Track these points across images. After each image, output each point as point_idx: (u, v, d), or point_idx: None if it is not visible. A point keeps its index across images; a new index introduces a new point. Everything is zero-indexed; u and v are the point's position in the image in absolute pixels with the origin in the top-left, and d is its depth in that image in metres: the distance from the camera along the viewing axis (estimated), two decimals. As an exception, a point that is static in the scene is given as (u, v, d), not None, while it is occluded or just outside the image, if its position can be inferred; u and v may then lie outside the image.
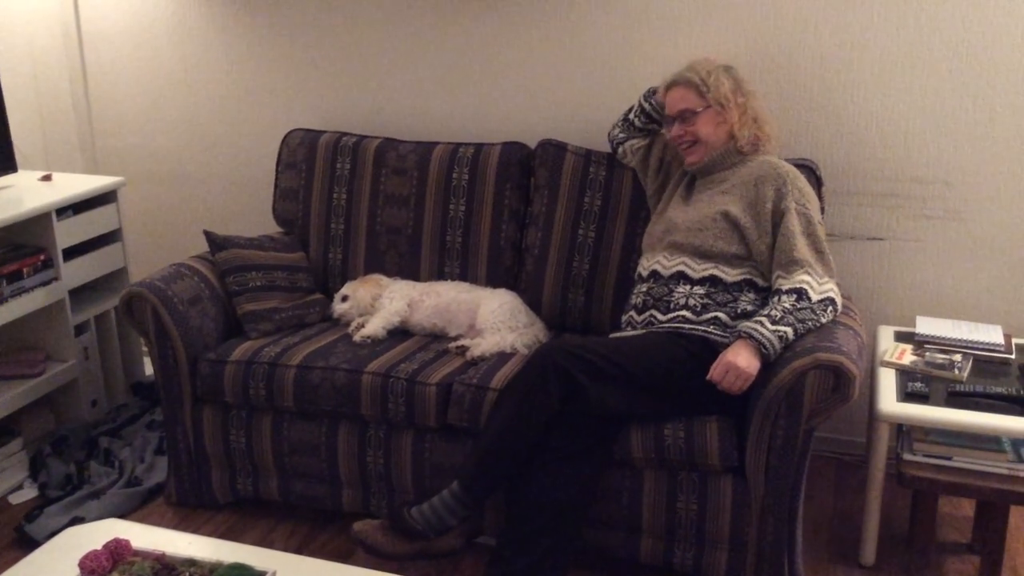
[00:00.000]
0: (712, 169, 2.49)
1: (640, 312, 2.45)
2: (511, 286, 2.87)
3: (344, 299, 2.86)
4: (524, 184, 2.92)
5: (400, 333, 2.76)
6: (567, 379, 2.21)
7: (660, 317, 2.39)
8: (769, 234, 2.35)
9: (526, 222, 2.90)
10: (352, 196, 3.02)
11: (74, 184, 3.11)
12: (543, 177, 2.86)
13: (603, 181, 2.80)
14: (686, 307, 2.37)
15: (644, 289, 2.47)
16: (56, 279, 2.96)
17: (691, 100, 2.44)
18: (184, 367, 2.64)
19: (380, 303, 2.80)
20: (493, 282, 2.89)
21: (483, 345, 2.60)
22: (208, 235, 2.84)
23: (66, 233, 2.99)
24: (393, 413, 2.47)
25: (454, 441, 2.46)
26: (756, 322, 2.22)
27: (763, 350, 2.17)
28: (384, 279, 2.91)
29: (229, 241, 2.85)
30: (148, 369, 3.35)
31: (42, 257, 2.92)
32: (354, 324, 2.77)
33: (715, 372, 2.19)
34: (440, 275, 2.94)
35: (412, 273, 2.96)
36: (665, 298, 2.41)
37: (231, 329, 2.79)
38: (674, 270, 2.43)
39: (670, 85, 2.49)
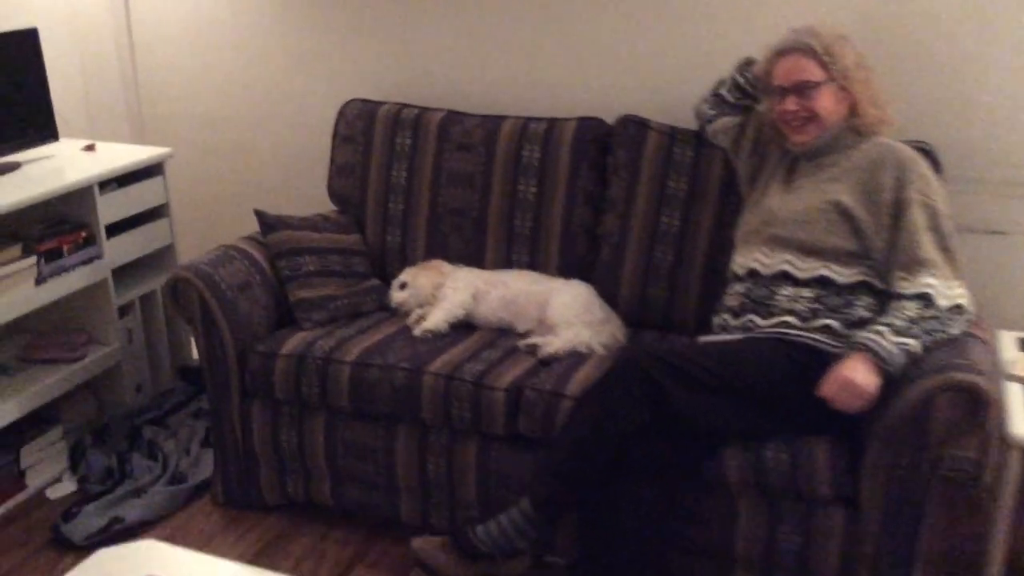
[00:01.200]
0: (821, 151, 2.20)
1: (737, 316, 2.19)
2: (584, 277, 2.61)
3: (403, 287, 2.63)
4: (601, 164, 2.65)
5: (463, 326, 2.52)
6: (655, 388, 1.96)
7: (760, 323, 2.13)
8: (887, 228, 2.06)
9: (603, 206, 2.63)
10: (412, 174, 2.78)
11: (119, 155, 2.92)
12: (622, 157, 2.59)
13: (689, 162, 2.52)
14: (791, 312, 2.10)
15: (741, 290, 2.20)
16: (98, 257, 2.77)
17: (811, 71, 2.14)
18: (232, 359, 2.44)
19: (442, 293, 2.57)
20: (565, 272, 2.64)
21: (556, 343, 2.36)
22: (259, 215, 2.62)
23: (110, 208, 2.80)
24: (457, 419, 2.24)
25: (524, 451, 2.23)
26: (876, 332, 1.94)
27: (884, 366, 1.90)
28: (446, 266, 2.67)
29: (281, 222, 2.63)
30: (195, 352, 3.15)
31: (84, 234, 2.74)
32: (414, 316, 2.54)
33: (828, 388, 1.92)
34: (507, 263, 2.70)
35: (476, 260, 2.72)
36: (766, 301, 2.14)
37: (282, 317, 2.57)
38: (776, 269, 2.16)
39: (782, 52, 2.19)
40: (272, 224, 2.61)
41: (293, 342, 2.42)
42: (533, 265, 2.67)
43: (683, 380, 1.97)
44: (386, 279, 2.76)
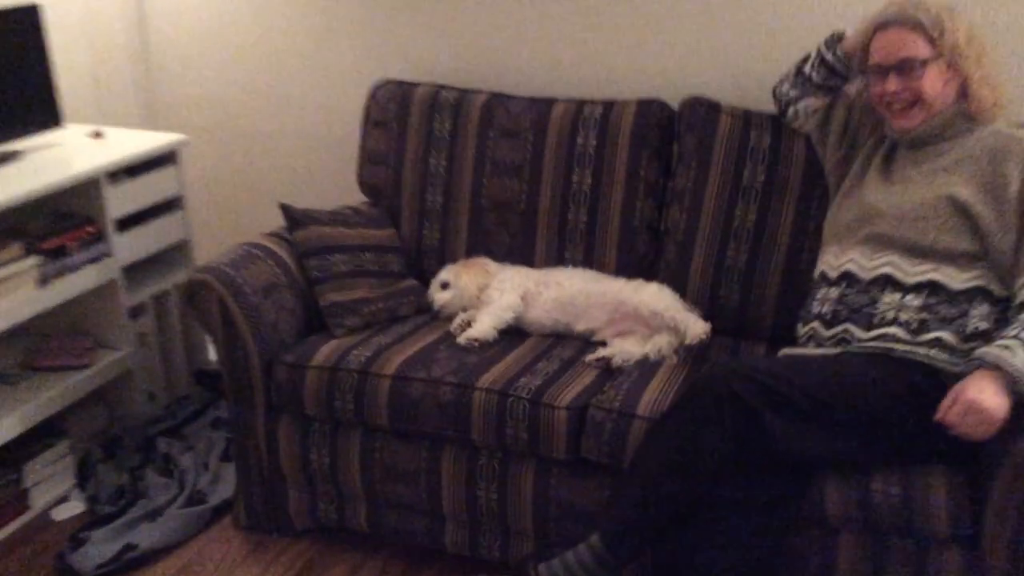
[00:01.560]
0: (928, 139, 1.94)
1: (829, 325, 1.92)
2: (646, 278, 2.35)
3: (444, 286, 2.37)
4: (665, 152, 2.38)
5: (512, 332, 2.26)
6: (745, 412, 1.71)
7: (860, 334, 1.87)
8: (1016, 229, 1.79)
9: (667, 199, 2.37)
10: (453, 162, 2.52)
11: (129, 142, 2.66)
12: (690, 144, 2.32)
13: (767, 150, 2.25)
14: (896, 323, 1.83)
15: (833, 295, 1.94)
16: (107, 255, 2.52)
17: (917, 47, 1.87)
18: (257, 370, 2.19)
19: (487, 295, 2.31)
20: (624, 272, 2.38)
21: (633, 350, 2.12)
22: (285, 209, 2.36)
23: (119, 200, 2.54)
24: (512, 440, 1.99)
25: (588, 478, 1.98)
26: (1002, 347, 1.67)
27: (1015, 387, 1.64)
28: (492, 264, 2.41)
29: (309, 216, 2.37)
30: (213, 354, 2.91)
31: (91, 229, 2.49)
32: (458, 321, 2.28)
33: (950, 412, 1.66)
34: (559, 262, 2.44)
35: (524, 258, 2.46)
36: (866, 309, 1.87)
37: (311, 322, 2.32)
38: (878, 272, 1.89)
39: (882, 25, 1.92)
40: (299, 219, 2.35)
41: (325, 352, 2.17)
42: (588, 263, 2.41)
43: (778, 403, 1.71)
44: (423, 279, 2.50)
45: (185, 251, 2.80)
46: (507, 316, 2.26)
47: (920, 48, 1.86)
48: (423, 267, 2.57)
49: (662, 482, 1.76)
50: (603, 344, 2.21)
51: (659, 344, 2.15)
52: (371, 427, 2.13)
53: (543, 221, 2.44)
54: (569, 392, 2.00)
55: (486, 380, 2.03)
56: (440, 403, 2.03)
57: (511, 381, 2.03)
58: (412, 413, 2.06)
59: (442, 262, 2.50)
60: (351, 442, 2.16)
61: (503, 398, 1.99)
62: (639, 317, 2.21)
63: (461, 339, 2.20)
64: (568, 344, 2.23)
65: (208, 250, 2.71)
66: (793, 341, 2.05)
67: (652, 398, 1.95)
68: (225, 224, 3.00)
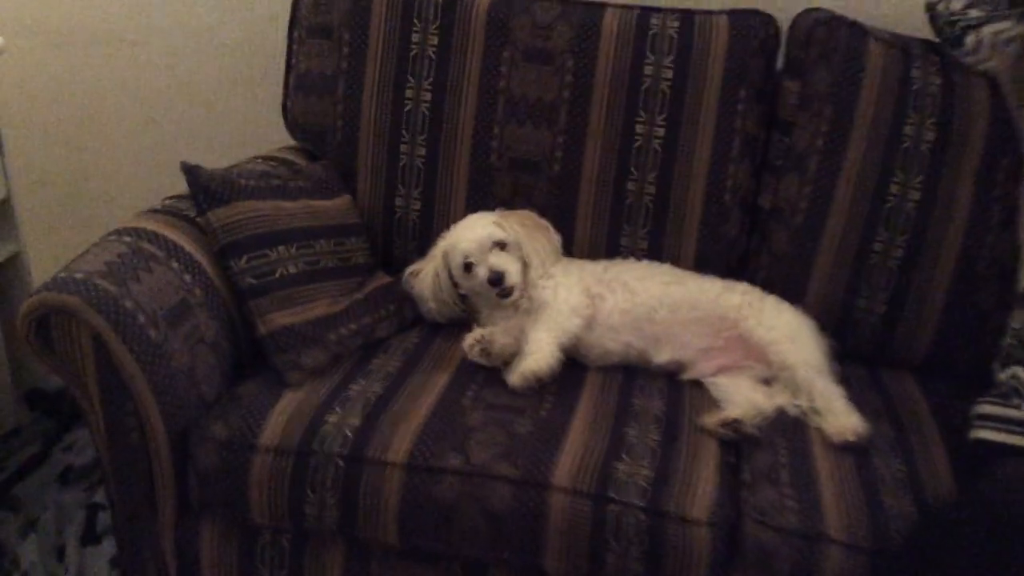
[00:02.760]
0: None
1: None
2: (738, 275, 1.62)
3: (501, 246, 1.53)
4: (769, 90, 1.62)
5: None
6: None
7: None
8: None
9: (776, 163, 1.62)
10: (444, 96, 1.67)
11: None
12: (818, 81, 1.58)
13: (935, 95, 1.53)
14: None
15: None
16: None
17: None
18: (163, 450, 1.31)
19: (538, 292, 1.51)
20: (706, 266, 1.63)
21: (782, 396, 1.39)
22: (192, 174, 1.44)
23: None
24: (615, 572, 1.23)
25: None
26: None
27: None
28: (555, 235, 1.62)
29: (231, 184, 1.46)
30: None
31: None
32: (474, 339, 1.46)
33: None
34: (610, 251, 1.66)
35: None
36: None
37: (242, 359, 1.44)
38: None
39: None
40: (215, 190, 1.44)
41: (279, 419, 1.31)
42: (656, 252, 1.65)
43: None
44: (393, 269, 1.67)
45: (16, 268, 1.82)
46: (573, 328, 1.47)
47: None
48: (392, 254, 1.72)
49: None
50: (694, 382, 1.48)
51: (783, 398, 1.43)
52: (365, 543, 1.31)
53: (588, 191, 1.64)
54: (700, 489, 1.25)
55: (565, 470, 1.25)
56: (492, 512, 1.24)
57: (604, 470, 1.26)
58: (442, 527, 1.26)
59: (424, 247, 1.66)
60: (330, 564, 1.33)
61: (600, 504, 1.22)
62: (750, 347, 1.48)
63: (514, 379, 1.39)
64: (648, 383, 1.48)
65: (50, 244, 1.77)
66: (957, 374, 1.40)
67: (839, 501, 1.23)
68: (77, 215, 2.02)
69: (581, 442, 1.30)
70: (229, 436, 1.30)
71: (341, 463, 1.27)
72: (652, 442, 1.32)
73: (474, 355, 1.45)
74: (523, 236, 1.53)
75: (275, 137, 1.85)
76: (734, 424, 1.35)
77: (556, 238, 1.60)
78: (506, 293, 1.52)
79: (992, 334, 1.50)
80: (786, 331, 1.46)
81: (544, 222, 1.60)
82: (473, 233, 1.54)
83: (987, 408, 1.35)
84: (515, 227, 1.53)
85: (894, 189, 1.53)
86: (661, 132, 1.60)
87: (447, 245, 1.56)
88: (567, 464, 1.26)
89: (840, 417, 1.36)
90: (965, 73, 1.53)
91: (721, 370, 1.49)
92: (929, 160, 1.52)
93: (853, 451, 1.34)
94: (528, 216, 1.59)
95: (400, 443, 1.28)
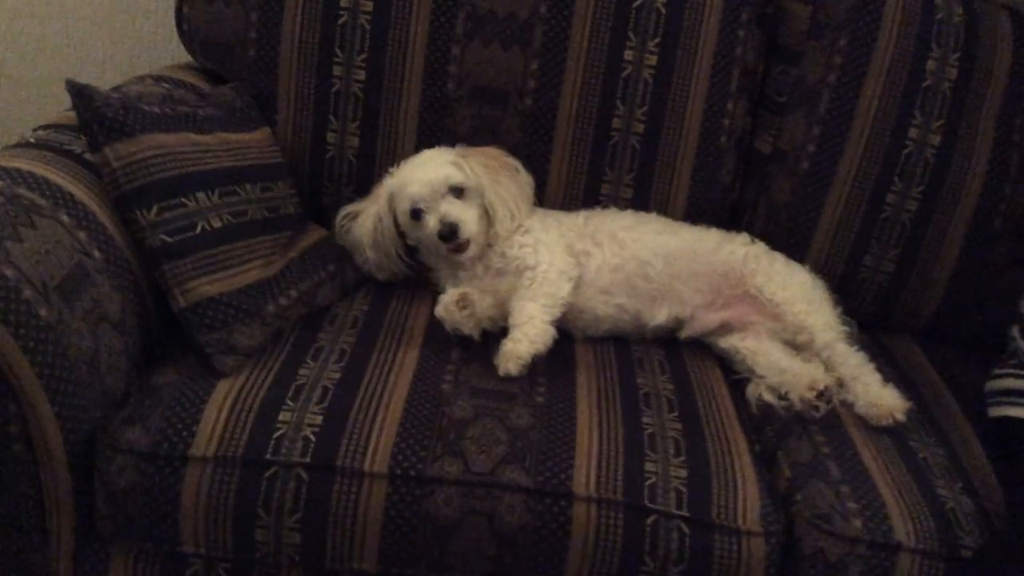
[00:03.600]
0: None
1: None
2: (732, 226, 1.43)
3: (457, 193, 1.27)
4: (770, 14, 1.41)
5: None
6: None
7: None
8: None
9: (779, 98, 1.41)
10: (391, 3, 1.35)
11: None
12: (833, 4, 1.37)
13: (958, 26, 1.36)
14: None
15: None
16: None
17: None
18: (59, 464, 0.99)
19: (518, 251, 1.26)
20: (697, 219, 1.42)
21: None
22: (82, 95, 1.08)
23: None
24: (651, 593, 1.02)
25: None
26: None
27: None
28: (527, 176, 1.35)
29: (134, 113, 1.11)
30: None
31: None
32: (447, 301, 1.20)
33: None
34: (589, 199, 1.42)
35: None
36: None
37: (151, 341, 1.13)
38: None
39: None
40: (111, 118, 1.09)
41: (216, 420, 1.02)
42: (642, 201, 1.42)
43: None
44: (322, 218, 1.38)
45: None
46: (564, 295, 1.23)
47: None
48: (321, 202, 1.42)
49: None
50: (693, 349, 1.29)
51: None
52: (332, 572, 1.04)
53: (566, 128, 1.39)
54: (744, 490, 1.05)
55: (585, 474, 1.02)
56: (501, 530, 1.00)
57: (630, 472, 1.03)
58: (436, 549, 1.01)
59: (361, 193, 1.38)
60: (284, 596, 1.06)
61: (633, 515, 1.00)
62: (758, 305, 1.29)
63: (511, 366, 1.14)
64: (646, 355, 1.27)
65: None
66: (959, 339, 1.28)
67: (898, 498, 1.06)
68: None
69: (595, 436, 1.08)
70: (151, 445, 0.99)
71: (304, 474, 0.99)
72: (673, 431, 1.11)
73: (457, 318, 1.18)
74: (486, 180, 1.27)
75: (163, 53, 1.49)
76: (826, 394, 1.16)
77: (528, 181, 1.34)
78: (460, 248, 1.26)
79: (1001, 296, 1.38)
80: (801, 290, 1.28)
81: (513, 161, 1.34)
82: (424, 173, 1.27)
83: (1009, 382, 1.22)
84: (477, 168, 1.27)
85: (913, 133, 1.36)
86: (653, 60, 1.36)
87: (394, 185, 1.29)
88: (586, 466, 1.03)
89: (878, 394, 1.18)
90: (988, 1, 1.37)
91: (724, 326, 1.30)
92: (951, 101, 1.36)
93: (889, 432, 1.18)
94: (495, 154, 1.32)
95: (377, 445, 1.01)
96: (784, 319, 1.26)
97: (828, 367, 1.23)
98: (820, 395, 1.16)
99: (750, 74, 1.40)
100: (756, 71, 1.41)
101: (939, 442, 1.19)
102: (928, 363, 1.39)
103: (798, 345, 1.27)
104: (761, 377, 1.23)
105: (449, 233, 1.24)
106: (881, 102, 1.36)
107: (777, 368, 1.22)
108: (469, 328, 1.19)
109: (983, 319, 1.42)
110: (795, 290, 1.28)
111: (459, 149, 1.32)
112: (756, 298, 1.29)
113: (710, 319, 1.31)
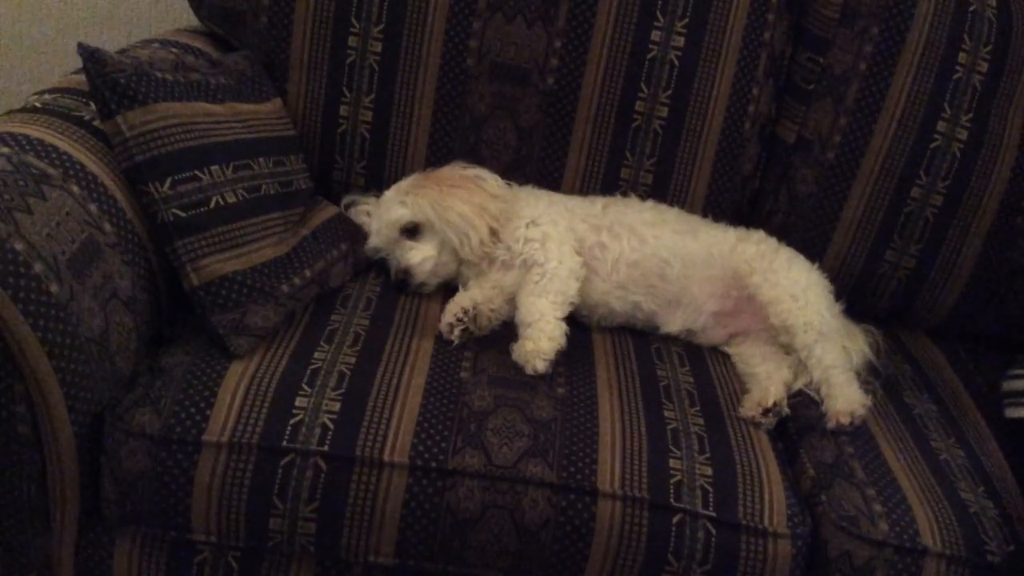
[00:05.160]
0: None
1: None
2: (748, 222, 1.40)
3: (411, 233, 1.24)
4: (799, 3, 1.38)
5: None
6: None
7: None
8: None
9: (806, 86, 1.38)
10: (409, -22, 1.31)
11: None
12: (860, -6, 1.34)
13: (991, 18, 1.33)
14: None
15: None
16: None
17: None
18: (66, 446, 0.95)
19: (524, 246, 1.22)
20: (716, 208, 1.39)
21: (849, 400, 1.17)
22: (94, 59, 1.03)
23: None
24: (674, 592, 1.00)
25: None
26: None
27: None
28: (492, 180, 1.29)
29: (147, 80, 1.06)
30: None
31: None
32: (453, 313, 1.16)
33: None
34: (607, 186, 1.38)
35: (547, 174, 1.38)
36: None
37: (161, 319, 1.09)
38: None
39: None
40: (125, 84, 1.04)
41: (230, 404, 0.98)
42: (661, 190, 1.39)
43: None
44: (332, 194, 1.34)
45: None
46: (572, 293, 1.21)
47: None
48: (331, 177, 1.38)
49: None
50: (710, 351, 1.27)
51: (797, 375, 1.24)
52: (344, 563, 1.01)
53: (587, 109, 1.35)
54: (769, 490, 1.03)
55: (610, 470, 1.00)
56: (523, 525, 0.97)
57: (655, 469, 1.01)
58: (455, 543, 0.98)
59: (375, 176, 1.34)
60: (296, 585, 1.03)
61: (659, 514, 0.98)
62: (757, 312, 1.27)
63: (538, 364, 1.11)
64: (665, 346, 1.25)
65: None
66: (974, 337, 1.27)
67: (924, 502, 1.05)
68: None
69: (617, 430, 1.05)
70: (163, 429, 0.95)
71: (322, 463, 0.96)
72: (697, 427, 1.09)
73: (455, 337, 1.15)
74: (431, 213, 1.23)
75: (169, 16, 1.43)
76: (774, 410, 1.13)
77: (494, 184, 1.28)
78: (419, 290, 1.24)
79: (1021, 294, 1.37)
80: (790, 289, 1.24)
81: (473, 171, 1.28)
82: (378, 219, 1.27)
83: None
84: (422, 202, 1.23)
85: (941, 127, 1.34)
86: (680, 41, 1.32)
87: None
88: (610, 461, 1.01)
89: (839, 393, 1.16)
90: (1020, -5, 1.34)
91: (732, 337, 1.28)
92: (980, 94, 1.33)
93: (911, 432, 1.16)
94: (448, 175, 1.27)
95: (397, 435, 0.98)
96: (768, 320, 1.24)
97: (805, 367, 1.22)
98: (766, 412, 1.13)
99: (777, 60, 1.37)
100: (784, 56, 1.38)
101: (959, 443, 1.18)
102: (946, 362, 1.38)
103: (784, 345, 1.25)
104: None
105: (401, 284, 1.22)
106: (911, 94, 1.33)
107: (748, 376, 1.21)
108: (473, 336, 1.16)
109: (1001, 317, 1.40)
110: (783, 289, 1.24)
111: (413, 179, 1.28)
112: (754, 299, 1.26)
113: (718, 334, 1.28)
